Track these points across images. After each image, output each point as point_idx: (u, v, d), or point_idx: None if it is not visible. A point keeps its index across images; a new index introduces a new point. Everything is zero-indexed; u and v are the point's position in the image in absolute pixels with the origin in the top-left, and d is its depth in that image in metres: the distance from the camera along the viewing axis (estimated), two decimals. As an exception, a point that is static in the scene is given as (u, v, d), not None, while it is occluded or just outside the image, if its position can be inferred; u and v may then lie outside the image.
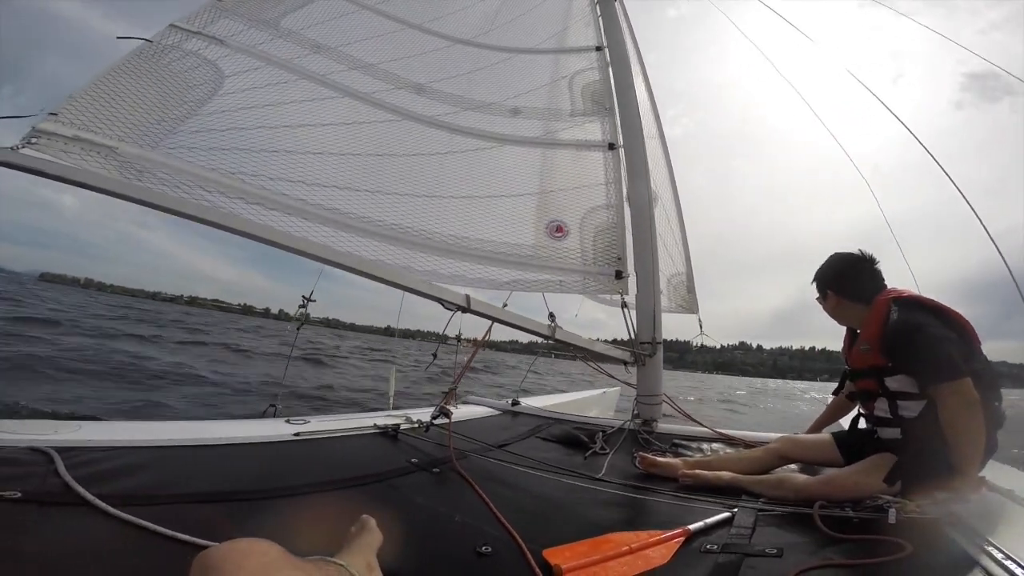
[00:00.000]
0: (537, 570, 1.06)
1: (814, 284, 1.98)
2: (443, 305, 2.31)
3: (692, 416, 3.04)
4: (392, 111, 2.85)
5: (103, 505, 1.08)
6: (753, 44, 3.98)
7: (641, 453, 2.10)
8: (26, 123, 1.61)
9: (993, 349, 1.64)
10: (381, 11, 3.11)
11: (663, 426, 2.90)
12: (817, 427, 2.23)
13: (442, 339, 2.74)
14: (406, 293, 2.35)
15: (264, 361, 10.42)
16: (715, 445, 2.50)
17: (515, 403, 3.52)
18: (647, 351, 3.02)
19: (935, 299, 1.70)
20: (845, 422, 2.18)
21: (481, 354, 2.95)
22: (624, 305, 3.07)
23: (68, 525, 1.03)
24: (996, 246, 1.79)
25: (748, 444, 2.39)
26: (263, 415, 2.38)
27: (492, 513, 1.38)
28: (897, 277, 1.87)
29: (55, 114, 1.65)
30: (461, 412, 2.95)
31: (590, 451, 2.28)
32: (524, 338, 3.11)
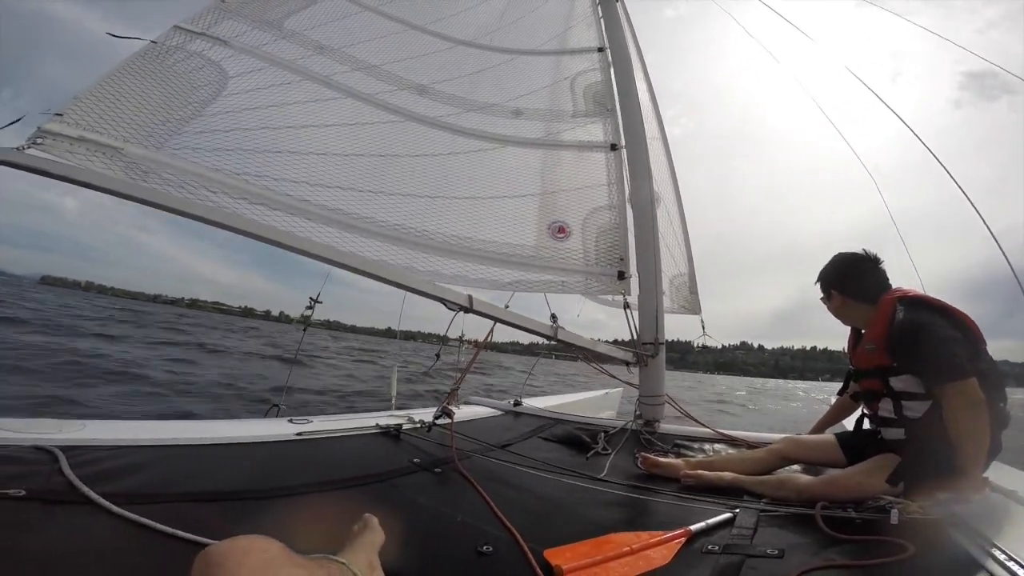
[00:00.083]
0: (538, 570, 1.06)
1: (818, 284, 1.98)
2: (446, 305, 2.32)
3: (694, 417, 3.04)
4: (395, 112, 2.86)
5: (107, 504, 1.09)
6: (756, 40, 3.98)
7: (643, 453, 2.10)
8: (31, 124, 1.62)
9: (994, 348, 1.63)
10: (384, 12, 3.12)
11: (665, 427, 2.90)
12: (820, 428, 2.23)
13: (444, 340, 2.75)
14: (407, 295, 2.36)
15: (236, 361, 10.28)
16: (717, 446, 2.50)
17: (517, 403, 3.52)
18: (649, 352, 3.02)
19: (941, 299, 1.70)
20: (849, 423, 2.17)
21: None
22: (626, 306, 3.07)
23: (72, 523, 1.03)
24: (999, 244, 1.79)
25: (750, 445, 2.39)
26: (266, 415, 2.39)
27: (494, 513, 1.38)
28: (901, 275, 1.87)
29: (60, 115, 1.66)
30: (463, 412, 2.95)
31: (592, 451, 2.28)
32: (525, 339, 3.12)
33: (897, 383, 1.67)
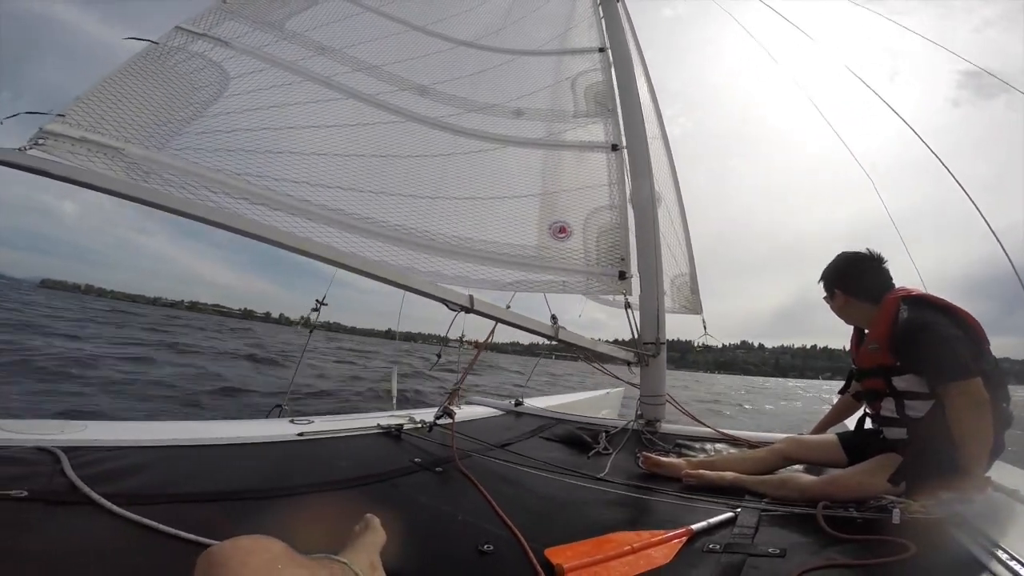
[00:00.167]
0: (539, 569, 1.06)
1: (821, 283, 1.97)
2: (447, 306, 2.32)
3: (696, 416, 3.04)
4: (396, 113, 2.86)
5: (109, 504, 1.09)
6: (755, 39, 3.97)
7: (644, 453, 2.10)
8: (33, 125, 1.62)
9: (995, 345, 1.63)
10: (385, 13, 3.12)
11: (667, 426, 2.90)
12: (822, 427, 2.22)
13: (444, 341, 2.75)
14: (406, 296, 2.36)
15: (204, 360, 10.00)
16: (719, 445, 2.49)
17: (518, 403, 3.52)
18: (651, 351, 3.02)
19: (944, 298, 1.70)
20: (851, 423, 2.17)
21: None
22: (628, 306, 3.07)
23: (74, 524, 1.04)
24: (999, 242, 1.78)
25: (752, 444, 2.39)
26: (268, 416, 2.40)
27: (495, 512, 1.38)
28: (901, 274, 1.86)
29: (62, 115, 1.67)
30: (464, 412, 2.95)
31: (593, 451, 2.28)
32: (525, 340, 3.13)
33: (900, 382, 1.66)
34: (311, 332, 2.90)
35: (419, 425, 2.42)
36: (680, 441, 2.52)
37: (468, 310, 2.35)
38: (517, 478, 1.85)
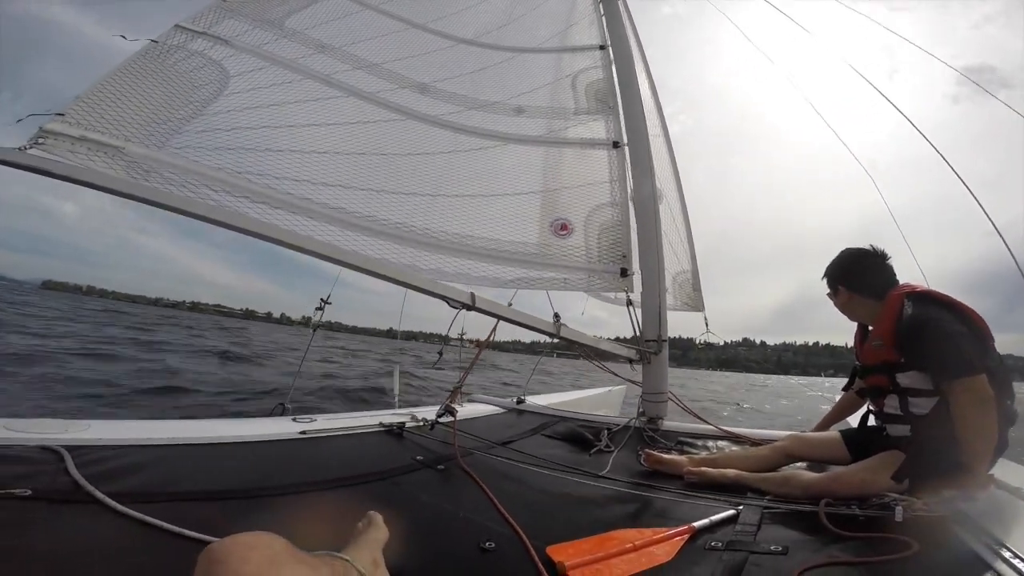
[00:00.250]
0: (541, 567, 1.06)
1: (825, 280, 1.97)
2: (448, 303, 2.32)
3: (698, 414, 3.04)
4: (396, 110, 2.86)
5: (113, 503, 1.09)
6: (747, 38, 3.96)
7: (647, 450, 2.10)
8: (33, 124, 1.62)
9: (998, 342, 1.62)
10: (385, 11, 3.11)
11: (668, 424, 2.90)
12: (825, 425, 2.22)
13: (446, 339, 2.75)
14: (408, 294, 2.36)
15: (173, 358, 9.62)
16: (721, 443, 2.49)
17: (520, 401, 3.52)
18: (652, 349, 3.02)
19: (949, 294, 1.69)
20: (854, 420, 2.16)
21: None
22: (629, 303, 3.06)
23: (78, 523, 1.04)
24: (1002, 237, 1.77)
25: (754, 442, 2.38)
26: (271, 414, 2.40)
27: (497, 510, 1.38)
28: (903, 270, 1.85)
29: (62, 114, 1.67)
30: (466, 410, 2.95)
31: (595, 448, 2.28)
32: (526, 338, 3.13)
33: (904, 379, 1.65)
34: (314, 331, 2.90)
35: (421, 423, 2.42)
36: (682, 438, 2.52)
37: (470, 308, 2.35)
38: (519, 476, 1.85)
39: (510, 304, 2.67)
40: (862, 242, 1.91)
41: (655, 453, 2.04)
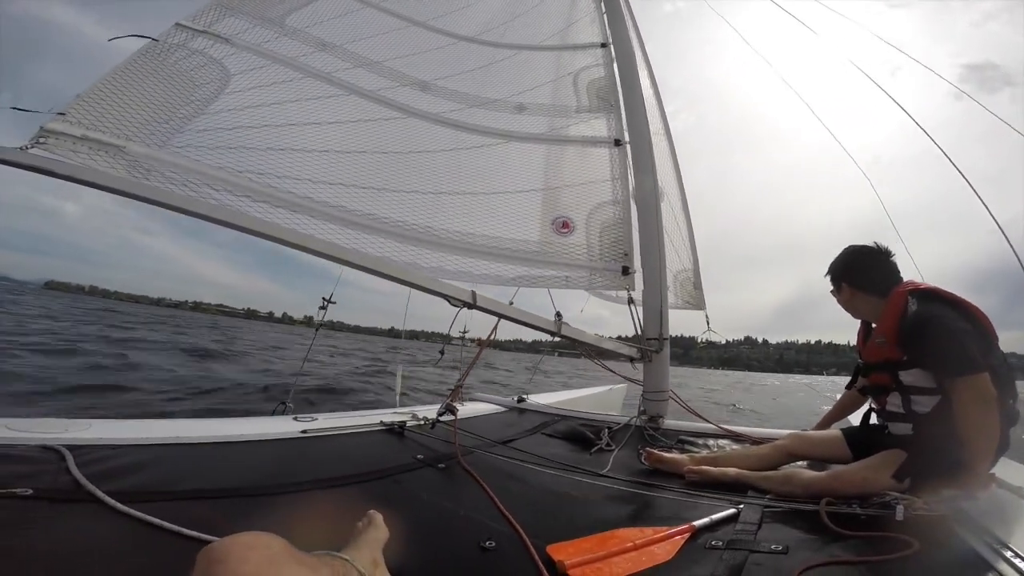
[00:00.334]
0: (541, 565, 1.06)
1: (828, 277, 1.96)
2: (449, 302, 2.32)
3: (699, 413, 3.04)
4: (397, 108, 2.86)
5: (113, 502, 1.10)
6: (744, 40, 3.95)
7: (647, 449, 2.10)
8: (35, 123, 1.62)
9: (1001, 340, 1.61)
10: (385, 8, 3.11)
11: (669, 422, 2.89)
12: (826, 423, 2.21)
13: (447, 338, 2.76)
14: (411, 294, 2.36)
15: (142, 355, 9.42)
16: (722, 441, 2.49)
17: (521, 400, 3.52)
18: (654, 347, 3.01)
19: (953, 292, 1.68)
20: (855, 419, 2.16)
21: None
22: (631, 301, 3.06)
23: (79, 522, 1.04)
24: (1005, 235, 1.76)
25: (755, 441, 2.38)
26: (272, 413, 2.41)
27: (497, 508, 1.38)
28: (902, 268, 1.85)
29: (63, 114, 1.67)
30: (467, 409, 2.96)
31: (596, 447, 2.28)
32: (528, 337, 3.13)
33: (907, 377, 1.65)
34: (317, 330, 2.91)
35: (422, 422, 2.42)
36: (683, 437, 2.52)
37: (471, 306, 2.35)
38: (520, 474, 1.85)
39: (511, 303, 2.67)
40: (864, 240, 1.91)
41: (656, 452, 2.04)
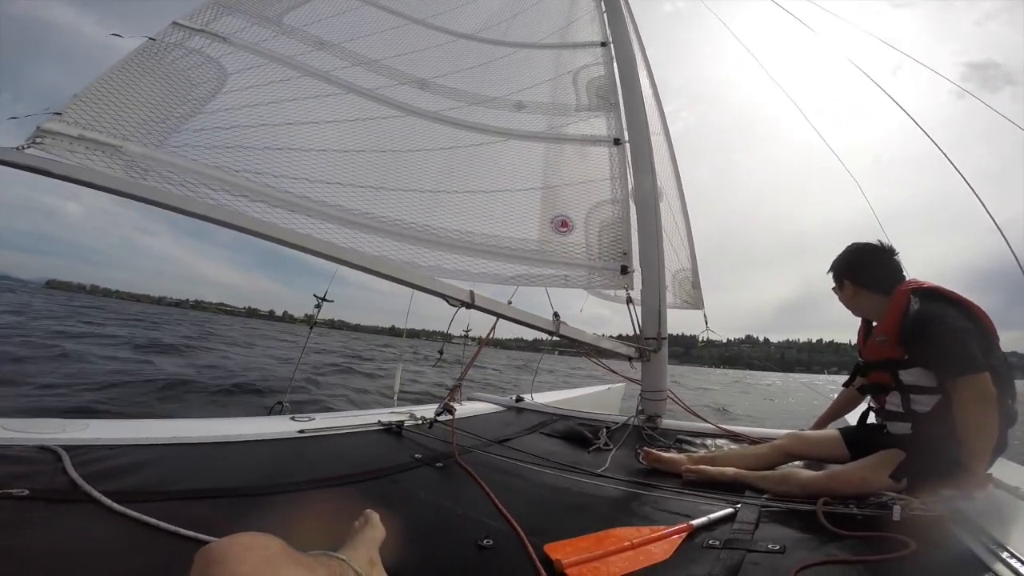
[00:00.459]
0: (538, 564, 1.06)
1: (830, 273, 1.95)
2: (447, 302, 2.32)
3: (697, 412, 3.04)
4: (395, 107, 2.85)
5: (110, 502, 1.09)
6: (739, 41, 3.94)
7: (645, 448, 2.10)
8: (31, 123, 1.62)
9: (1002, 339, 1.61)
10: (383, 7, 3.10)
11: (667, 422, 2.90)
12: (823, 422, 2.21)
13: (447, 337, 2.76)
14: (414, 293, 2.35)
15: (84, 347, 9.01)
16: (719, 441, 2.49)
17: (519, 399, 3.53)
18: (652, 347, 3.02)
19: (956, 291, 1.68)
20: (852, 418, 2.16)
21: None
22: (629, 300, 3.06)
23: (76, 522, 1.04)
24: (1003, 234, 1.76)
25: (753, 440, 2.38)
26: (270, 413, 2.41)
27: (495, 507, 1.39)
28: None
29: (59, 114, 1.67)
30: (465, 408, 2.96)
31: (593, 447, 2.28)
32: (529, 335, 3.13)
33: (907, 376, 1.65)
34: (311, 328, 2.90)
35: (420, 421, 2.42)
36: (681, 437, 2.52)
37: (469, 306, 2.34)
38: (518, 473, 1.85)
39: (510, 302, 2.67)
40: (865, 238, 1.90)
41: (654, 451, 2.04)
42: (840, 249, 1.95)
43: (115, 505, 1.08)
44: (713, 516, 1.38)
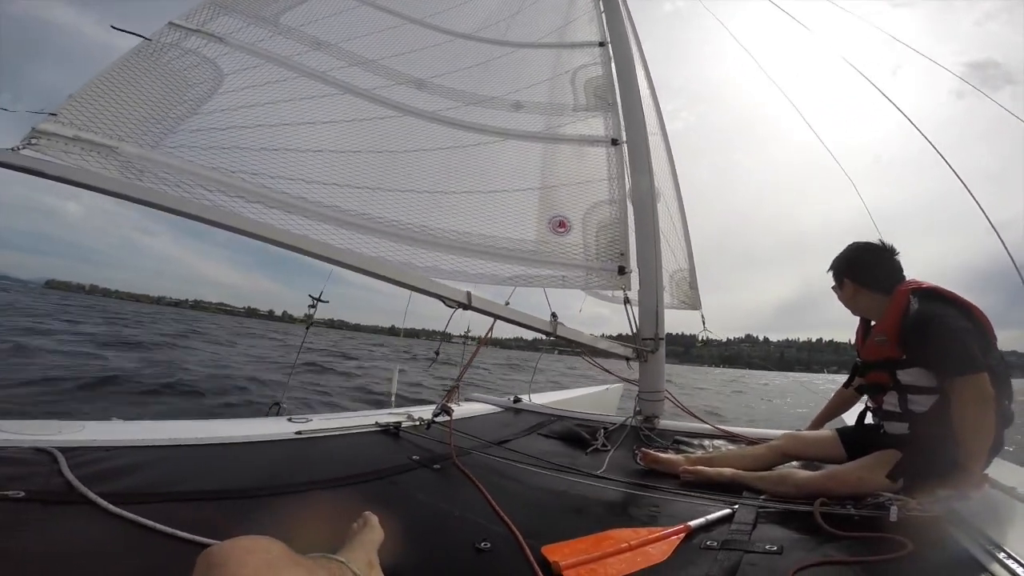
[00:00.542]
0: (536, 566, 1.06)
1: (830, 272, 1.95)
2: (444, 303, 2.31)
3: (694, 413, 3.04)
4: (393, 107, 2.84)
5: (106, 504, 1.09)
6: (736, 40, 3.95)
7: (643, 449, 2.10)
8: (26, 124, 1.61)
9: (1000, 338, 1.62)
10: (381, 6, 3.09)
11: (665, 423, 2.89)
12: (819, 421, 2.21)
13: (444, 337, 2.75)
14: (413, 293, 2.35)
15: (43, 342, 9.00)
16: (717, 442, 2.49)
17: (517, 400, 3.52)
18: (649, 347, 3.01)
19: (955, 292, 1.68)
20: (849, 418, 2.16)
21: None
22: (627, 301, 3.06)
23: (72, 524, 1.04)
24: (999, 235, 1.77)
25: (751, 441, 2.38)
26: (266, 414, 2.40)
27: (492, 509, 1.38)
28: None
29: (55, 114, 1.66)
30: (463, 410, 2.95)
31: (591, 448, 2.28)
32: (528, 335, 3.12)
33: (905, 376, 1.65)
34: (308, 328, 2.90)
35: (417, 423, 2.42)
36: (678, 437, 2.52)
37: (466, 307, 2.34)
38: (515, 475, 1.85)
39: (508, 303, 2.67)
40: (865, 238, 1.90)
41: (651, 452, 2.04)
42: (840, 249, 1.96)
43: (111, 507, 1.08)
44: (711, 517, 1.38)
